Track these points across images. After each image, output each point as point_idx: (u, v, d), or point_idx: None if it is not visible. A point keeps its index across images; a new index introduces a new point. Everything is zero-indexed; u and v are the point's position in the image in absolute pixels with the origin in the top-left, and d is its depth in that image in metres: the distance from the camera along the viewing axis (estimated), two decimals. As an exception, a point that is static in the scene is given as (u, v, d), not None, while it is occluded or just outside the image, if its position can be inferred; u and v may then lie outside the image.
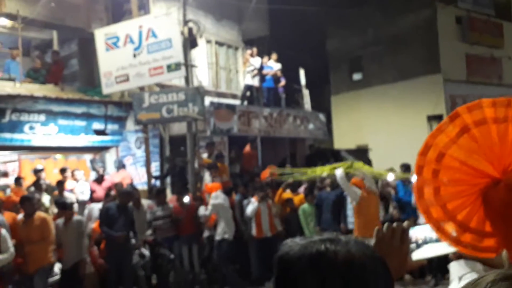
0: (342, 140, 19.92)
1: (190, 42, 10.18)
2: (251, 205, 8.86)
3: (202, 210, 8.90)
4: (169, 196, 10.34)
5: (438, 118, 18.34)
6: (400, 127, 18.40)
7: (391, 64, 19.02)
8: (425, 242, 1.16)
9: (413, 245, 1.19)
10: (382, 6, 19.12)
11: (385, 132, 18.72)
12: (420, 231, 1.19)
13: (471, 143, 0.97)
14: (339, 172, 7.70)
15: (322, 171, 8.93)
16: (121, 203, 7.94)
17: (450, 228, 1.00)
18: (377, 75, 19.61)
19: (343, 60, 20.93)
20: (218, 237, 8.58)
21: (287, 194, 9.74)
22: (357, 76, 20.91)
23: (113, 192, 9.09)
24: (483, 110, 0.98)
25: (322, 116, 16.01)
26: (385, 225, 1.13)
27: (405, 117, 18.44)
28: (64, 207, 7.30)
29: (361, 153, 16.91)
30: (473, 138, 0.96)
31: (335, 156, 15.98)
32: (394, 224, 1.09)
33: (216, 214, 8.67)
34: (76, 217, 7.39)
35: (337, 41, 20.95)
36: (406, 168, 9.53)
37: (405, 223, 1.10)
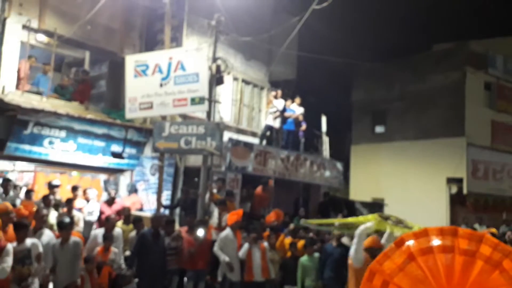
0: (358, 191, 19.69)
1: (216, 79, 10.32)
2: (243, 247, 8.69)
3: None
4: (176, 227, 10.24)
5: (458, 181, 18.05)
6: (418, 186, 18.13)
7: (415, 121, 18.96)
8: None
9: None
10: (411, 63, 19.24)
11: (402, 189, 18.45)
12: None
13: (417, 271, 0.90)
14: (363, 227, 6.73)
15: (367, 220, 7.97)
16: (153, 228, 8.17)
17: None
18: (400, 130, 19.53)
19: (366, 111, 20.96)
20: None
21: (289, 239, 9.51)
22: (379, 129, 20.85)
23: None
24: (429, 238, 0.92)
25: (339, 165, 15.88)
26: None
27: (424, 176, 18.18)
28: (61, 227, 7.08)
29: (376, 207, 16.62)
30: (419, 267, 0.90)
31: (349, 207, 15.77)
32: None
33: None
34: (74, 238, 7.09)
35: (362, 92, 21.05)
36: None
37: None
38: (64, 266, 6.89)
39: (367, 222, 7.39)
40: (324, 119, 16.01)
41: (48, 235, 7.13)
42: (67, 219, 7.35)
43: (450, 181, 18.07)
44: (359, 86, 21.32)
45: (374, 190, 19.43)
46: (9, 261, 5.92)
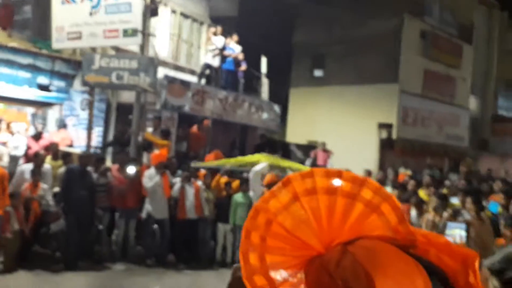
0: (295, 134, 20.05)
1: (150, 10, 9.81)
2: (176, 185, 8.72)
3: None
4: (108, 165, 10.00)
5: (388, 127, 18.81)
6: (351, 130, 18.72)
7: (352, 66, 19.22)
8: None
9: None
10: (352, 7, 19.22)
11: (337, 132, 18.97)
12: None
13: (300, 211, 0.91)
14: (258, 167, 7.65)
15: (258, 159, 8.84)
16: (81, 166, 8.00)
17: None
18: (338, 75, 19.79)
19: (306, 54, 20.96)
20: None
21: (225, 179, 9.63)
22: (318, 73, 21.02)
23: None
24: (315, 179, 0.93)
25: (277, 108, 16.01)
26: None
27: (358, 121, 18.74)
28: None
29: (310, 149, 17.07)
30: (302, 207, 0.91)
31: (284, 149, 16.07)
32: None
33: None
34: None
35: (303, 34, 20.93)
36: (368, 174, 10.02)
37: None
38: None
39: (256, 161, 8.47)
40: (264, 60, 15.87)
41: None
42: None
43: (381, 126, 18.78)
44: (300, 28, 21.14)
45: (310, 133, 19.85)
46: None
